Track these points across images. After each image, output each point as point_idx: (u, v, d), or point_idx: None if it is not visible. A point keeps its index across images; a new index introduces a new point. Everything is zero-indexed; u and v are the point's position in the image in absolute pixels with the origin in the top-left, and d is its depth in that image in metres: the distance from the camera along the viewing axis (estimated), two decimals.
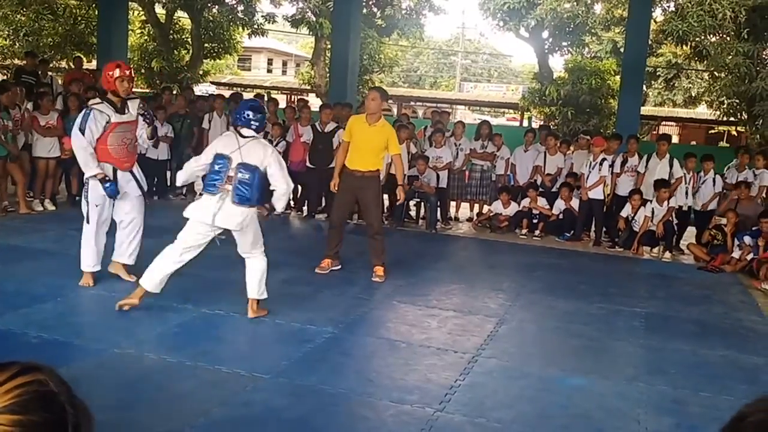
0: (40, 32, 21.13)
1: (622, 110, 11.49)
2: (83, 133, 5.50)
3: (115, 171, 5.69)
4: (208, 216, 5.03)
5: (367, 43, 20.65)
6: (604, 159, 9.51)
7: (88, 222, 5.75)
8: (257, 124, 5.22)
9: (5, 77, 19.00)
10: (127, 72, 5.64)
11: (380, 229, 6.96)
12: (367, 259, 7.67)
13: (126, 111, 5.71)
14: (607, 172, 9.50)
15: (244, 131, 5.19)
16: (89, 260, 5.79)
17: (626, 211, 9.39)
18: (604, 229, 9.80)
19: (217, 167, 5.04)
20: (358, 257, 7.69)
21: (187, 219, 5.16)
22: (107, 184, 5.57)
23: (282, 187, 5.26)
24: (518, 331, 5.53)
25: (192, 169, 5.35)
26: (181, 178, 5.54)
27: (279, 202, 5.40)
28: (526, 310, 6.15)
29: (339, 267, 6.99)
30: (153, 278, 5.09)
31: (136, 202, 5.94)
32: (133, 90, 5.99)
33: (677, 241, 9.58)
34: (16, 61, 17.61)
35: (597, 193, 9.57)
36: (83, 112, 5.66)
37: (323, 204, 10.23)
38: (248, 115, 5.19)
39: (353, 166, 6.74)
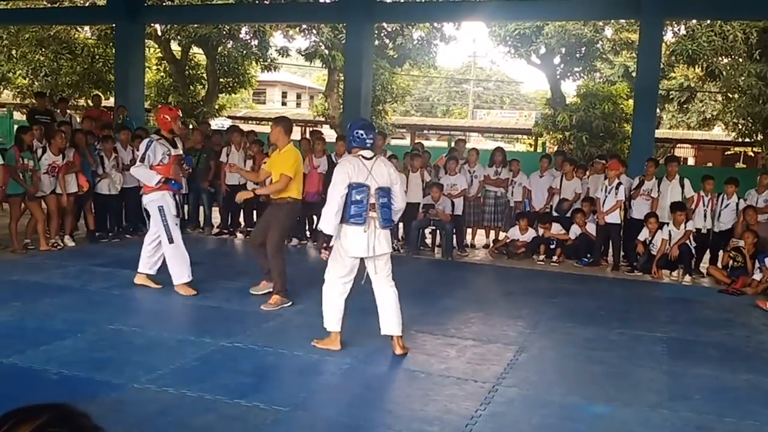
0: (59, 71, 21.53)
1: (636, 134, 11.46)
2: (143, 161, 6.59)
3: (174, 196, 6.82)
4: (366, 249, 5.07)
5: (379, 74, 20.86)
6: (620, 183, 9.48)
7: (171, 242, 6.63)
8: (372, 141, 5.23)
9: (24, 117, 19.34)
10: (179, 114, 7.03)
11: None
12: None
13: (177, 146, 6.90)
14: (623, 196, 9.47)
15: (366, 153, 5.16)
16: (184, 273, 6.71)
17: (644, 234, 9.34)
18: (622, 253, 9.73)
19: (359, 197, 5.00)
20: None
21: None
22: (173, 182, 6.71)
23: (400, 204, 5.26)
24: (538, 359, 5.48)
25: (337, 209, 5.03)
26: (332, 223, 5.07)
27: (396, 217, 5.36)
28: (545, 338, 6.10)
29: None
30: (331, 318, 5.23)
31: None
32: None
33: (697, 265, 9.49)
34: (34, 101, 17.94)
35: (614, 218, 9.53)
36: (146, 141, 6.76)
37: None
38: (362, 135, 5.16)
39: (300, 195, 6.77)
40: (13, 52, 22.98)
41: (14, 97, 26.31)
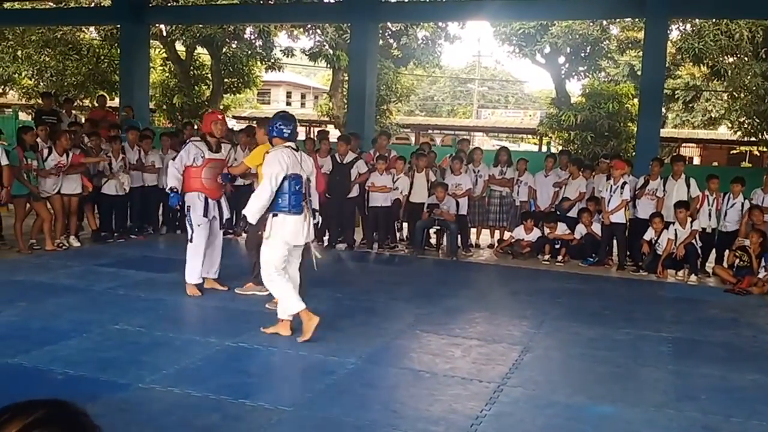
0: (64, 72, 21.58)
1: (641, 133, 11.43)
2: (174, 159, 6.77)
3: (206, 199, 6.72)
4: (304, 236, 5.33)
5: (383, 74, 20.84)
6: (625, 182, 9.46)
7: (191, 241, 6.70)
8: (290, 132, 5.45)
9: (30, 117, 19.41)
10: (220, 117, 7.03)
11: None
12: (387, 289, 7.70)
13: (219, 150, 6.82)
14: (628, 195, 9.45)
15: (292, 144, 5.40)
16: (194, 274, 6.74)
17: (649, 234, 9.31)
18: (627, 253, 9.70)
19: (297, 187, 5.26)
20: (378, 286, 7.69)
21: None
22: (172, 194, 6.64)
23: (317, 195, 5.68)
24: (543, 359, 5.46)
25: (265, 201, 5.25)
26: (258, 214, 5.33)
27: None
28: (550, 337, 6.09)
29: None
30: (292, 301, 5.34)
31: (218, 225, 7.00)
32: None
33: (702, 264, 9.45)
34: (40, 101, 18.03)
35: (619, 217, 9.50)
36: (185, 144, 6.92)
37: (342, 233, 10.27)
38: (282, 127, 5.41)
39: None
40: (19, 53, 23.05)
41: (20, 97, 26.39)
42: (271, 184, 5.20)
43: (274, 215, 5.27)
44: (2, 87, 28.18)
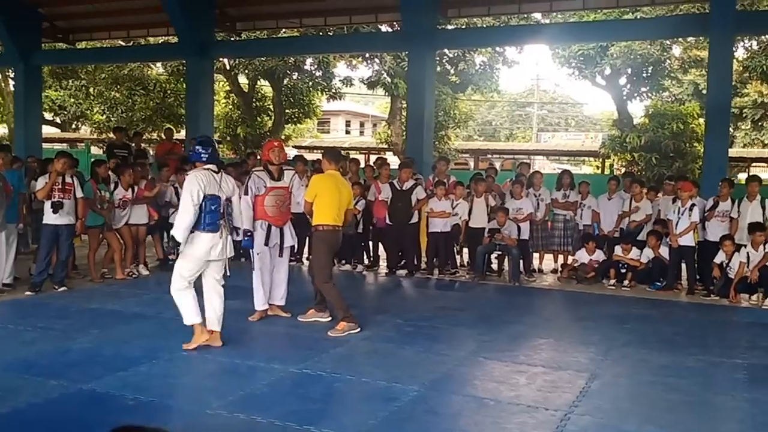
0: (133, 107, 22.49)
1: (708, 154, 11.11)
2: (247, 193, 6.78)
3: (269, 227, 6.87)
4: (218, 252, 5.71)
5: (441, 100, 20.95)
6: (693, 204, 9.18)
7: (253, 269, 6.88)
8: (207, 155, 5.79)
9: (101, 151, 20.22)
10: (276, 144, 7.13)
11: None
12: (449, 315, 7.65)
13: (281, 178, 6.95)
14: (697, 217, 9.16)
15: (213, 167, 5.78)
16: (258, 300, 6.96)
17: (720, 257, 9.00)
18: (697, 276, 9.39)
19: (213, 207, 5.64)
20: (440, 312, 7.64)
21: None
22: (246, 238, 6.56)
23: (238, 210, 6.15)
24: (612, 387, 5.32)
25: (190, 221, 5.59)
26: (184, 234, 5.62)
27: (239, 223, 6.21)
28: (618, 364, 5.92)
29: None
30: (190, 312, 5.76)
31: (287, 253, 7.14)
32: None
33: None
34: (112, 135, 18.84)
35: (688, 240, 9.22)
36: (249, 176, 7.04)
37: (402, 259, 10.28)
38: (199, 150, 5.79)
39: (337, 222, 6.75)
40: (91, 90, 24.15)
41: (92, 132, 27.58)
42: (192, 202, 5.56)
43: (191, 232, 5.63)
44: (76, 122, 29.56)
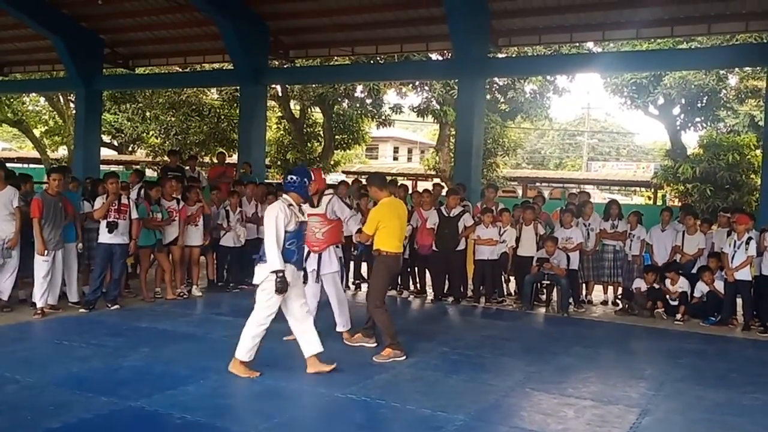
0: (188, 131, 23.07)
1: (765, 185, 10.81)
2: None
3: (308, 253, 6.85)
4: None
5: (490, 128, 20.94)
6: (750, 237, 8.92)
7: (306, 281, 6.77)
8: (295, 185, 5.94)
9: (155, 173, 20.77)
10: (313, 174, 6.96)
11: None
12: (496, 344, 7.57)
13: (319, 205, 7.00)
14: (754, 251, 8.89)
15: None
16: (342, 322, 7.19)
17: None
18: (754, 312, 9.09)
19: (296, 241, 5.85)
20: (486, 341, 7.56)
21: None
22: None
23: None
24: (664, 423, 5.16)
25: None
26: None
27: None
28: (671, 400, 5.75)
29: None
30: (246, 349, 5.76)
31: (328, 279, 7.15)
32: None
33: None
34: (166, 158, 19.33)
35: (744, 274, 8.94)
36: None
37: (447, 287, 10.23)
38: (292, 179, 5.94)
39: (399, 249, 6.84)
40: (148, 114, 24.88)
41: (147, 154, 28.38)
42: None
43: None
44: (132, 145, 30.47)
